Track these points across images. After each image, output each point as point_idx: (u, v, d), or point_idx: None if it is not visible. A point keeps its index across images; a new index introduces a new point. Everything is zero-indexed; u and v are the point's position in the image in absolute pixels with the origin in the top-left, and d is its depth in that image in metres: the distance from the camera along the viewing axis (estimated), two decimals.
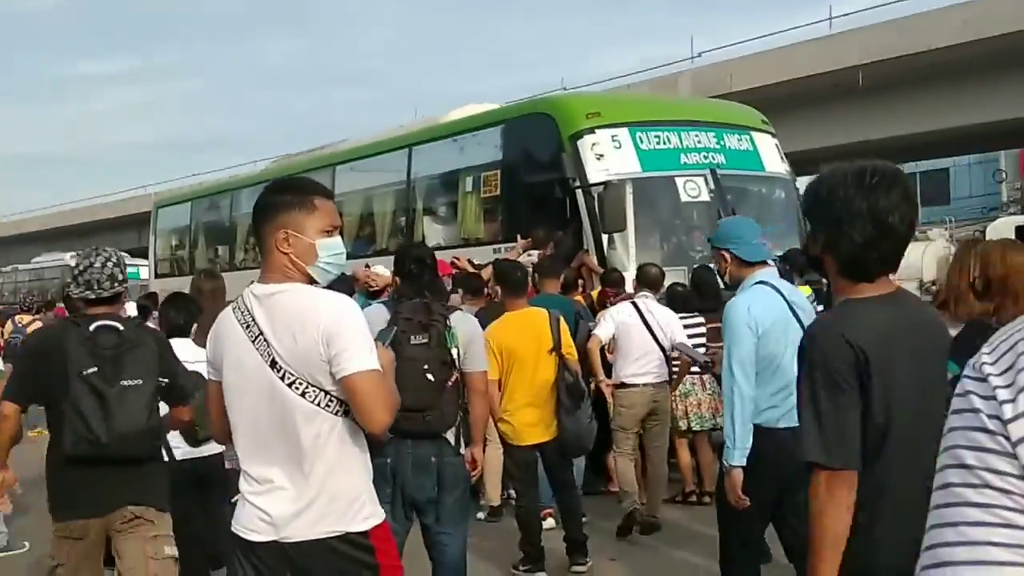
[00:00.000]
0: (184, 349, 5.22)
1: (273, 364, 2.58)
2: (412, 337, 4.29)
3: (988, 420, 1.03)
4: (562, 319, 6.30)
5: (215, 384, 2.74)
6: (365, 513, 2.66)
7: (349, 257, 10.66)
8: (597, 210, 9.17)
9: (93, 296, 3.75)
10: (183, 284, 15.77)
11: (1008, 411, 1.02)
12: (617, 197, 9.14)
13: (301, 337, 2.57)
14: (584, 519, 6.38)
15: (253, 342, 2.60)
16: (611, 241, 9.23)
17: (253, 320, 2.62)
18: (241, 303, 2.67)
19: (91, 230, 49.65)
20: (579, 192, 9.40)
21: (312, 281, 2.71)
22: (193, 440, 4.87)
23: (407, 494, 4.32)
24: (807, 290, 7.46)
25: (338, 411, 2.61)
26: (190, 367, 4.98)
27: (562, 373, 6.07)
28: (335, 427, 2.61)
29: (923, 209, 43.45)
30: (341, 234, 2.83)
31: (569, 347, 6.17)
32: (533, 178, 10.19)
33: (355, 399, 2.56)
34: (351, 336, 2.58)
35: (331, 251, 2.71)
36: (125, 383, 3.56)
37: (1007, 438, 1.02)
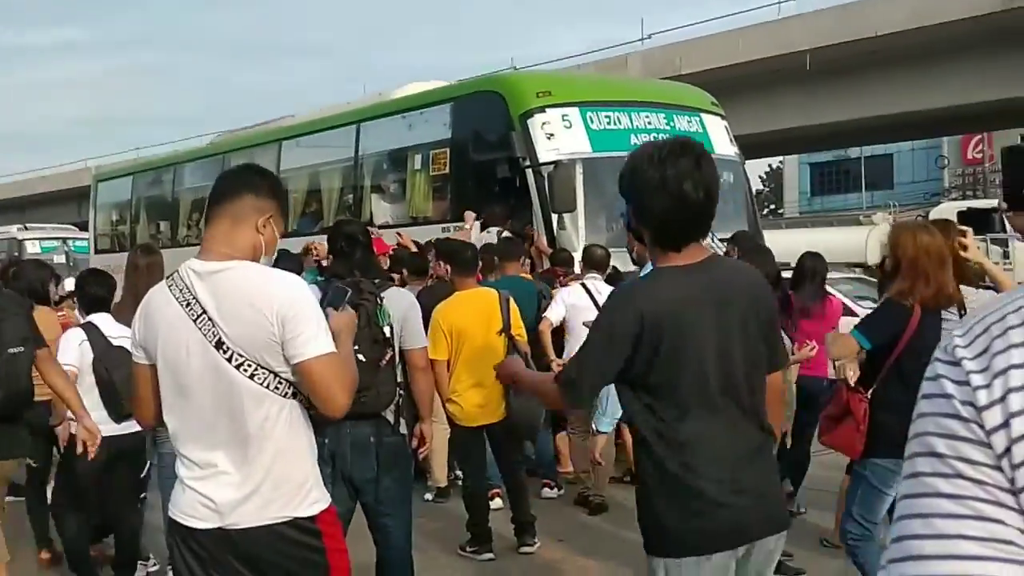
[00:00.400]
0: (107, 324, 5.16)
1: (219, 345, 2.46)
2: None
3: (961, 407, 0.97)
4: (512, 300, 6.25)
5: (144, 367, 2.61)
6: (312, 498, 2.59)
7: (295, 235, 10.59)
8: (547, 190, 9.12)
9: None
10: (123, 260, 15.57)
11: (983, 397, 0.96)
12: (567, 177, 9.10)
13: (252, 317, 2.46)
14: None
15: (195, 321, 2.48)
16: (560, 221, 9.19)
17: (195, 298, 2.49)
18: (179, 280, 2.54)
19: (31, 203, 48.58)
20: (529, 171, 9.34)
21: None
22: (118, 416, 4.91)
23: (346, 474, 4.24)
24: None
25: (287, 393, 2.52)
26: (115, 342, 4.94)
27: (511, 354, 6.02)
28: (283, 410, 2.53)
29: (867, 193, 44.22)
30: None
31: (519, 328, 6.12)
32: (482, 157, 10.11)
33: (313, 384, 2.49)
34: (306, 318, 2.49)
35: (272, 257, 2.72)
36: (12, 351, 3.70)
37: (981, 426, 0.96)
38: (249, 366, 2.46)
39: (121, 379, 4.57)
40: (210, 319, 2.46)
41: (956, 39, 22.92)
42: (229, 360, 2.46)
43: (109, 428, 4.77)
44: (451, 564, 5.96)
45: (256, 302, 2.47)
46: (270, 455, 2.50)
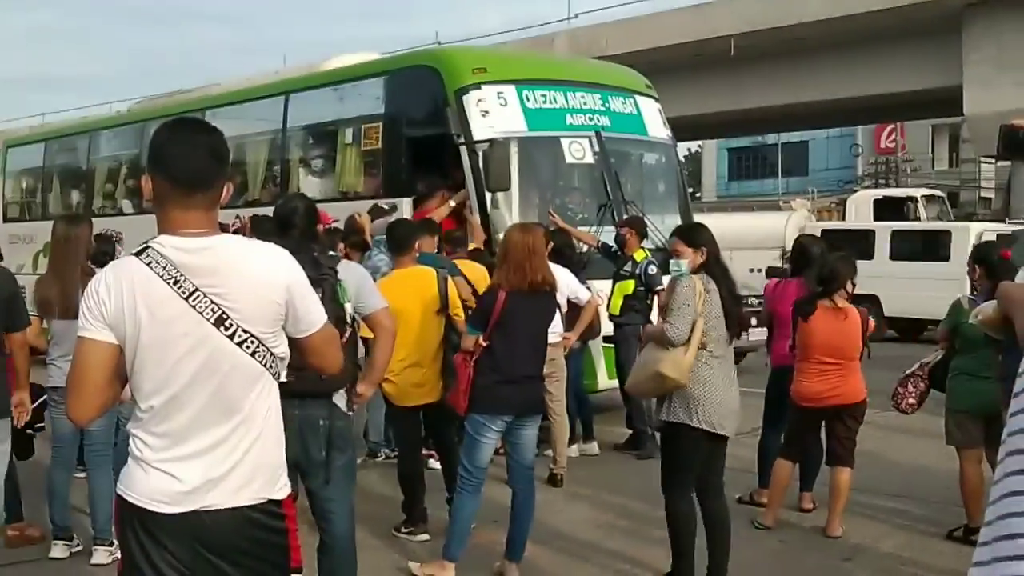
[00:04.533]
0: None
1: (220, 321, 2.35)
2: None
3: None
4: (451, 278, 6.18)
5: (104, 346, 2.38)
6: (283, 481, 2.52)
7: (221, 208, 10.26)
8: (481, 168, 9.03)
9: None
10: (34, 229, 15.07)
11: None
12: (502, 155, 9.01)
13: (260, 293, 2.41)
14: None
15: (188, 299, 2.35)
16: (494, 200, 9.11)
17: (183, 276, 2.36)
18: (158, 257, 2.38)
19: None
20: (463, 149, 9.23)
21: None
22: None
23: (291, 456, 4.13)
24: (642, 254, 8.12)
25: (276, 373, 2.48)
26: None
27: (449, 333, 5.96)
28: (270, 391, 2.47)
29: (782, 180, 45.05)
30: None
31: (456, 307, 6.05)
32: (416, 132, 9.93)
33: (315, 351, 2.60)
34: (309, 289, 2.53)
35: None
36: None
37: None
38: (252, 343, 2.38)
39: None
40: (207, 296, 2.35)
41: (874, 30, 23.44)
42: (231, 337, 2.36)
43: None
44: (387, 546, 5.89)
45: (261, 277, 2.41)
46: (253, 436, 2.42)
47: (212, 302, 2.36)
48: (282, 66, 15.81)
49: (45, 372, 5.75)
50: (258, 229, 7.04)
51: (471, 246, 8.48)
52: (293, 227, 4.38)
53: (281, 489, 2.51)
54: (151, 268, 2.37)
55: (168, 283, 2.35)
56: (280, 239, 4.38)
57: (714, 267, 4.89)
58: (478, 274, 7.05)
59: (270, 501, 2.46)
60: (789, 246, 19.56)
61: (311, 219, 4.46)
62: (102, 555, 5.62)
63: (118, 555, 2.43)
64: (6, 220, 17.06)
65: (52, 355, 5.74)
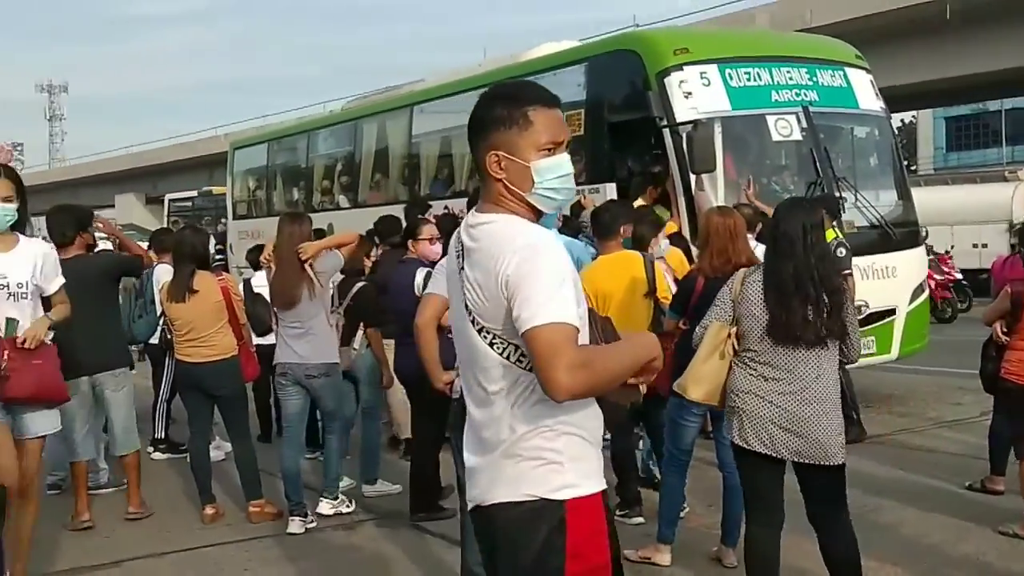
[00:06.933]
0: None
1: (465, 305, 2.31)
2: None
3: None
4: (657, 263, 6.16)
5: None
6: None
7: (429, 199, 10.78)
8: (685, 150, 8.93)
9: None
10: (260, 225, 16.04)
11: None
12: (706, 136, 8.88)
13: (490, 278, 2.22)
14: None
15: (459, 274, 2.34)
16: (699, 182, 9.01)
17: (461, 250, 2.34)
18: (457, 232, 2.41)
19: (163, 171, 50.29)
20: (666, 131, 9.16)
21: (536, 211, 2.34)
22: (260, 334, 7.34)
23: None
24: (832, 234, 7.36)
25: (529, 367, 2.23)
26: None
27: (658, 317, 5.95)
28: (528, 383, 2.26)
29: (1007, 148, 42.20)
30: (570, 149, 2.38)
31: (664, 291, 6.03)
32: (617, 117, 9.94)
33: (533, 357, 2.16)
34: (534, 283, 2.15)
35: (553, 173, 2.30)
36: None
37: None
38: (488, 333, 2.28)
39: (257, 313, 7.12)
40: (463, 276, 2.31)
41: None
42: (472, 323, 2.30)
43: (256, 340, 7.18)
44: None
45: (493, 262, 2.23)
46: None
47: (463, 283, 2.33)
48: (483, 59, 16.14)
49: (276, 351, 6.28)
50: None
51: (668, 230, 8.42)
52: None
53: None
54: (453, 242, 2.45)
55: (456, 257, 2.43)
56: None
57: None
58: (676, 258, 7.01)
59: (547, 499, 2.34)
60: (1017, 219, 18.38)
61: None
62: (324, 506, 6.39)
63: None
64: (235, 218, 18.26)
65: (280, 334, 6.26)
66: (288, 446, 6.39)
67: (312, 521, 6.23)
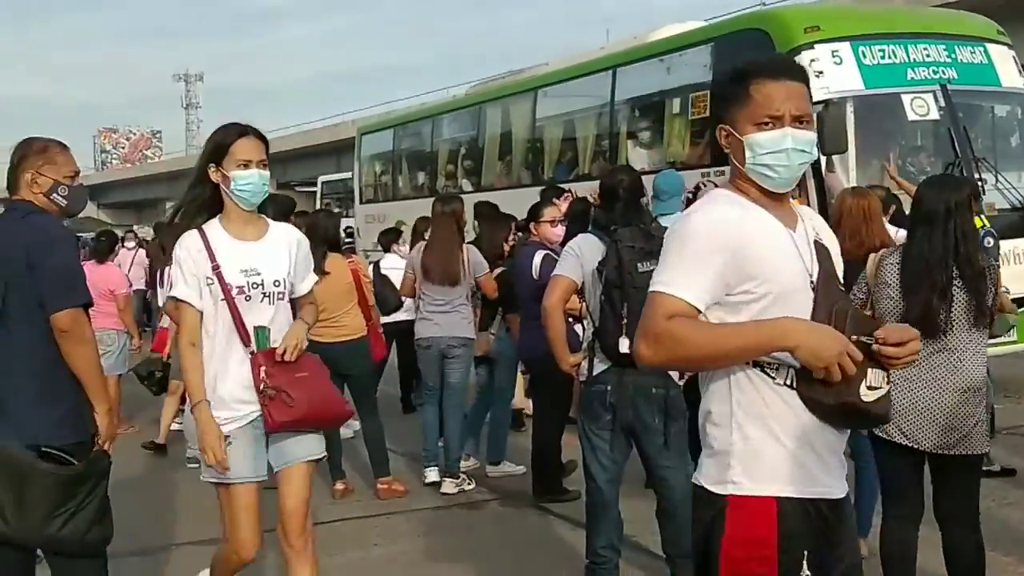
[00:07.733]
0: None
1: None
2: (639, 264, 4.17)
3: None
4: None
5: None
6: None
7: (555, 181, 10.88)
8: (816, 130, 8.70)
9: None
10: (386, 209, 16.33)
11: None
12: (838, 117, 8.66)
13: None
14: None
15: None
16: (830, 163, 8.78)
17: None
18: None
19: (292, 157, 51.48)
20: None
21: (762, 189, 2.30)
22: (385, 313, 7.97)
23: (626, 422, 4.26)
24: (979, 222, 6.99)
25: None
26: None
27: None
28: None
29: None
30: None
31: None
32: None
33: None
34: (665, 254, 2.31)
35: (765, 148, 2.23)
36: None
37: None
38: None
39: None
40: None
41: None
42: None
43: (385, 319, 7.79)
44: None
45: None
46: None
47: None
48: (606, 41, 16.04)
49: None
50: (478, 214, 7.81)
51: None
52: (618, 200, 4.50)
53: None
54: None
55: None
56: (608, 212, 4.53)
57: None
58: None
59: None
60: None
61: (636, 191, 4.57)
62: (449, 486, 6.58)
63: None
64: (363, 202, 18.64)
65: (423, 311, 6.66)
66: (451, 415, 6.73)
67: (468, 482, 6.63)
